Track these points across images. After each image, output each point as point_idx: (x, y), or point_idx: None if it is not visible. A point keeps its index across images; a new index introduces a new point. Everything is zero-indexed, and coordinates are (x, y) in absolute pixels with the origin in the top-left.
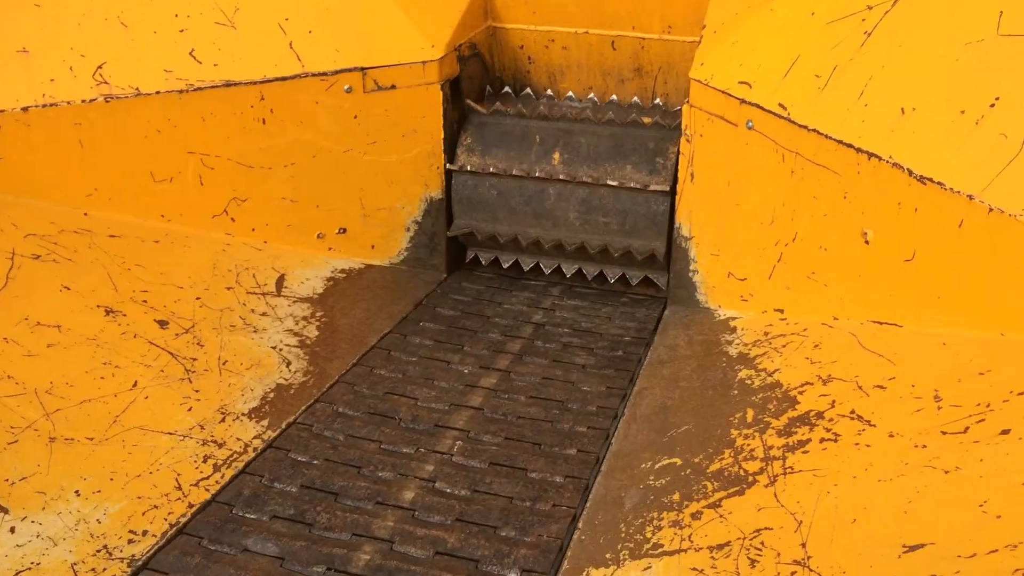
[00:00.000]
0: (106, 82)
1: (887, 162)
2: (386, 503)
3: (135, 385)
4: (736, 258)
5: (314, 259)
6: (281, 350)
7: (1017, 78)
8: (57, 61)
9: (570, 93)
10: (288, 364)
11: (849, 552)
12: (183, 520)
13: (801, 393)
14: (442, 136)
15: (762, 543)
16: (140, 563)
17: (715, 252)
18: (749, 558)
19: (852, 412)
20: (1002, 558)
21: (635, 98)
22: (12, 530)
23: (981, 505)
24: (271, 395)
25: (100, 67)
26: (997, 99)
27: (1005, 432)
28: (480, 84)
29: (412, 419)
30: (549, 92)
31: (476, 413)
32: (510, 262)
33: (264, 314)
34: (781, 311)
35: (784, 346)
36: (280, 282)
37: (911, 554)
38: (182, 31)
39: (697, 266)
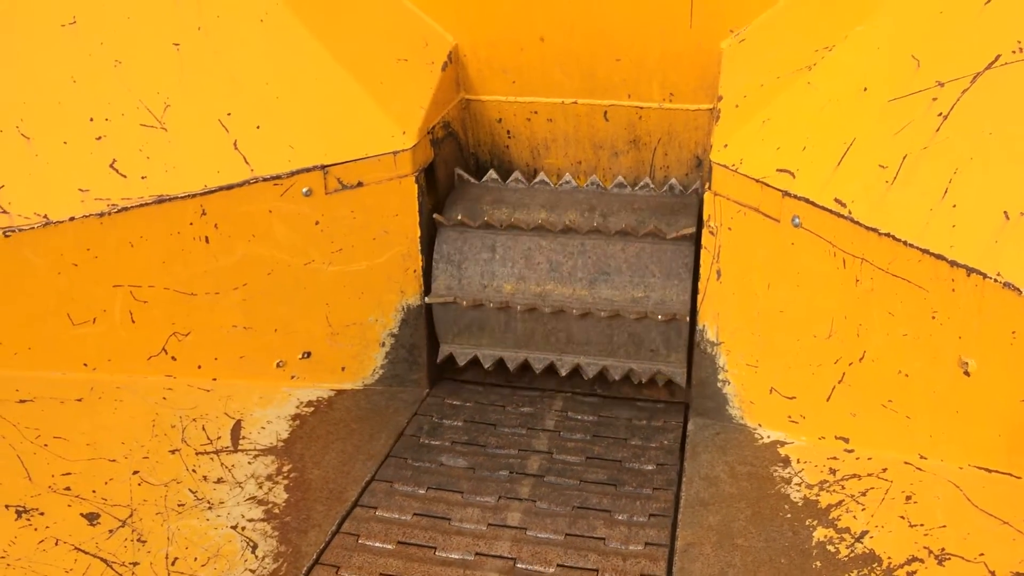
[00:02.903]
0: (5, 211)
1: (994, 280)
2: None
3: None
4: (781, 372)
5: (275, 394)
6: (243, 529)
7: None
8: None
9: (568, 179)
10: (254, 548)
11: None
12: None
13: None
14: (418, 235)
15: None
16: None
17: (752, 363)
18: None
19: None
20: None
21: (647, 181)
22: None
23: None
24: None
25: None
26: None
27: None
28: (455, 166)
29: None
30: (542, 177)
31: None
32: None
33: (220, 480)
34: (845, 440)
35: (864, 494)
36: (236, 431)
37: None
38: (99, 139)
39: (728, 376)
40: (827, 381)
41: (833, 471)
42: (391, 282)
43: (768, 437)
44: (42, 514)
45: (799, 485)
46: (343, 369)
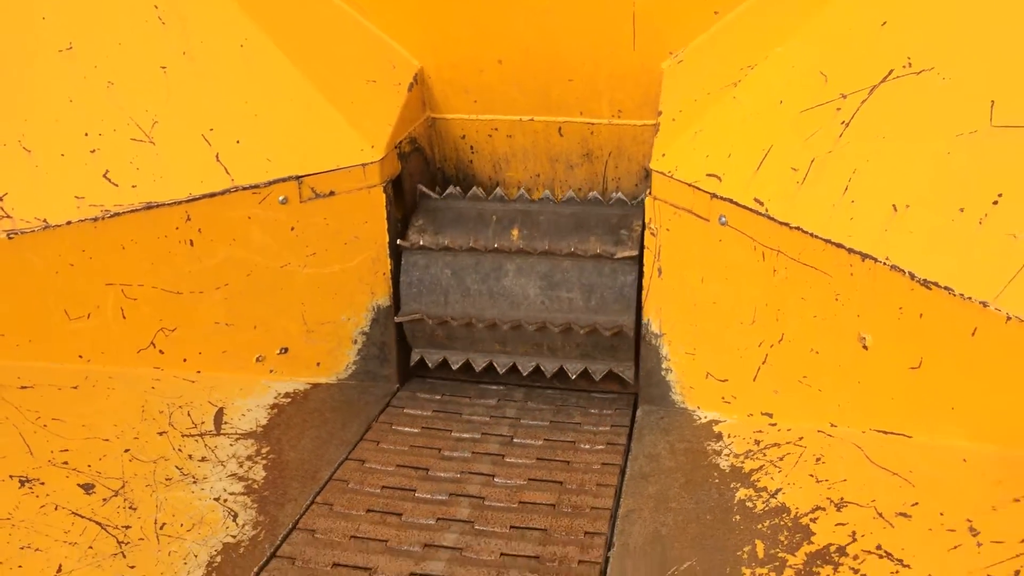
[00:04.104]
0: (8, 216)
1: (884, 264)
2: None
3: (60, 570)
4: (715, 358)
5: (254, 385)
6: (225, 501)
7: (1018, 173)
8: None
9: (522, 192)
10: (234, 517)
11: None
12: None
13: (814, 521)
14: (387, 240)
15: None
16: None
17: (690, 351)
18: None
19: (879, 548)
20: None
21: (593, 193)
22: None
23: None
24: (217, 559)
25: (1, 199)
26: (1000, 196)
27: None
28: (422, 178)
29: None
30: (499, 191)
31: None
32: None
33: (203, 459)
34: (770, 415)
35: (781, 459)
36: (219, 417)
37: None
38: (94, 151)
39: (670, 365)
40: (753, 363)
41: (758, 442)
42: (362, 284)
43: (705, 418)
44: (42, 484)
45: (728, 456)
46: (318, 364)
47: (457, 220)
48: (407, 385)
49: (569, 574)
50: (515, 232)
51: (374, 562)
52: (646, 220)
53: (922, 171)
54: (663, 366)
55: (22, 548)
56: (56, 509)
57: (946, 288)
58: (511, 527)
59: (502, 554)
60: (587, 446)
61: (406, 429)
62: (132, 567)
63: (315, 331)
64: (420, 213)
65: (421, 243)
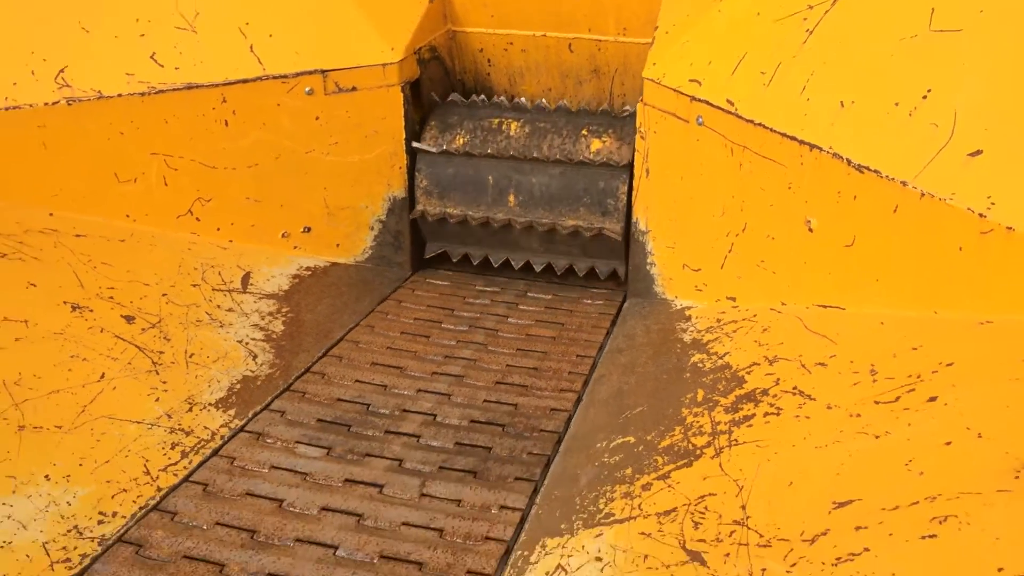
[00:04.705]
0: (68, 85)
1: (828, 153)
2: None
3: (102, 377)
4: (690, 250)
5: (279, 257)
6: (247, 344)
7: (946, 71)
8: (19, 65)
9: (521, 99)
10: (254, 357)
11: (784, 511)
12: (152, 502)
13: (748, 373)
14: (403, 137)
15: (706, 508)
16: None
17: (671, 245)
18: (693, 521)
19: (794, 388)
20: (922, 509)
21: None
22: None
23: (906, 464)
24: (237, 386)
25: (62, 71)
26: (929, 91)
27: (932, 399)
28: (441, 86)
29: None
30: (501, 97)
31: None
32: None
33: (230, 310)
34: (733, 299)
35: (735, 331)
36: (246, 279)
37: (840, 509)
38: (143, 35)
39: (654, 259)
40: (721, 252)
41: (719, 320)
42: (379, 175)
43: (680, 305)
44: (91, 311)
45: (692, 332)
46: (338, 245)
47: (455, 180)
48: (420, 272)
49: (560, 379)
50: (511, 199)
51: (405, 364)
52: (638, 124)
53: (868, 71)
54: (648, 260)
55: (72, 356)
56: (102, 331)
57: (875, 171)
58: (517, 349)
59: (507, 365)
60: (588, 300)
61: (439, 282)
62: (164, 382)
63: (335, 215)
64: (422, 171)
65: (429, 215)
